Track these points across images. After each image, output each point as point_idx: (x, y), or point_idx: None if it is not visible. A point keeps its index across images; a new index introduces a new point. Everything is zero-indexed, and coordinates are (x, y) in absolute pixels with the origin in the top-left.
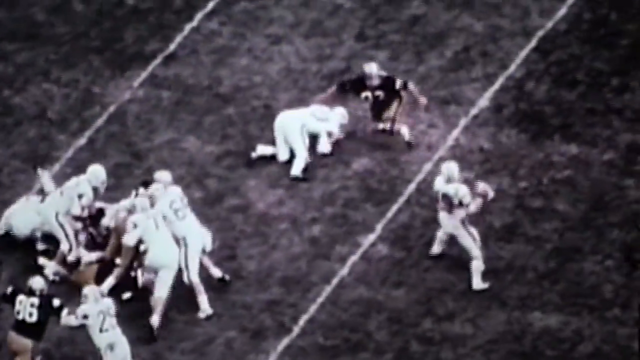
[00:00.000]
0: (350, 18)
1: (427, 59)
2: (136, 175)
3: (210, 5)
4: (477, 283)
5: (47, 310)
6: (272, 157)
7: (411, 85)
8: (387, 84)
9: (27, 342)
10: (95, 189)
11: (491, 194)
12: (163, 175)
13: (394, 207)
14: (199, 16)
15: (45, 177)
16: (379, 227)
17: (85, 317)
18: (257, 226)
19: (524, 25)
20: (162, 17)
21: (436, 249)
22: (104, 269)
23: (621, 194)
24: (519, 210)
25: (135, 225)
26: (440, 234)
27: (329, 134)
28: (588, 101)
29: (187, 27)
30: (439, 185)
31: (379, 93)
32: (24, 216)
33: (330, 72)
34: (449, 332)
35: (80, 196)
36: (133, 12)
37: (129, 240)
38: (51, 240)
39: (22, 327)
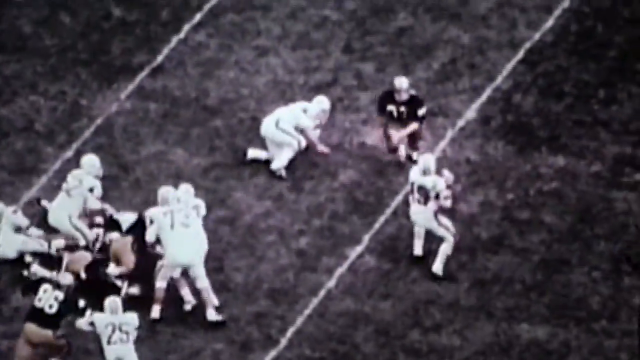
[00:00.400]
0: (337, 30)
1: (413, 70)
2: (123, 188)
3: (197, 17)
4: (438, 267)
5: (69, 307)
6: (266, 162)
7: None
8: (413, 103)
9: (48, 333)
10: (97, 178)
11: (450, 180)
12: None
13: (381, 219)
14: (186, 28)
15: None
16: (366, 239)
17: (90, 324)
18: (244, 238)
19: (511, 37)
20: (149, 29)
21: (418, 249)
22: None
23: (608, 206)
24: (506, 222)
25: (151, 221)
26: (417, 231)
27: (301, 129)
28: (575, 113)
29: (174, 39)
30: (415, 176)
31: (404, 110)
32: (8, 240)
33: (317, 84)
34: (436, 343)
35: (91, 190)
36: (120, 24)
37: (148, 236)
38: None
39: (38, 316)
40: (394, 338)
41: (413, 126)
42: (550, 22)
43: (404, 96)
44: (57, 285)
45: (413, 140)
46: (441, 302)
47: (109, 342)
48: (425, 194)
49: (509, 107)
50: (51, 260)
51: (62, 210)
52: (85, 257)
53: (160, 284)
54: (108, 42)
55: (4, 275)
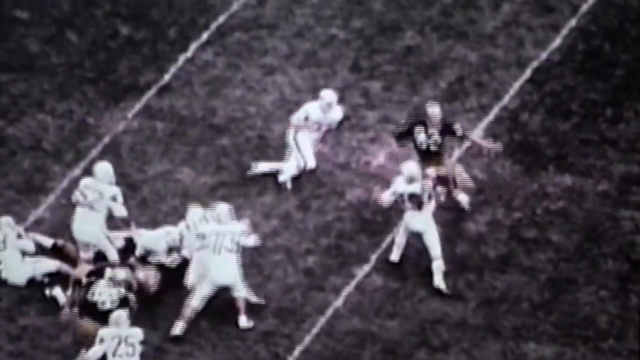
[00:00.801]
0: (344, 49)
1: (421, 89)
2: (130, 207)
3: (204, 36)
4: (440, 281)
5: (124, 303)
6: (273, 174)
7: (474, 136)
8: (446, 128)
9: (97, 326)
10: (112, 184)
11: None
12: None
13: (389, 238)
14: (193, 47)
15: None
16: (373, 258)
17: (100, 340)
18: (251, 257)
19: (518, 56)
20: (156, 48)
21: (396, 255)
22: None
23: (615, 225)
24: (513, 240)
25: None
26: (399, 240)
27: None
28: (582, 132)
29: (181, 58)
30: (402, 187)
31: (437, 138)
32: (17, 267)
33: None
34: None
35: (114, 198)
36: (127, 43)
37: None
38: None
39: (90, 310)
40: (401, 357)
41: (450, 164)
42: (557, 41)
43: (436, 124)
44: (112, 281)
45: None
46: (448, 321)
47: (114, 355)
48: (417, 200)
49: (516, 126)
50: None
51: (91, 225)
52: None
53: (196, 303)
54: (115, 60)
55: (12, 294)
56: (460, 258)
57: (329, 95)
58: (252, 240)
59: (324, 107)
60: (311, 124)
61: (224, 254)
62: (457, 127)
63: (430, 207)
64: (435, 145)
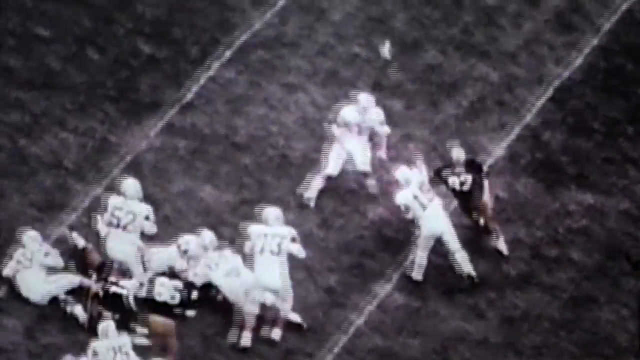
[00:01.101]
0: (366, 67)
1: (442, 108)
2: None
3: (226, 54)
4: (469, 268)
5: (186, 299)
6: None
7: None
8: (473, 167)
9: (172, 322)
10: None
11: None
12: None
13: (410, 257)
14: (215, 65)
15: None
16: (395, 277)
17: (94, 353)
18: None
19: (540, 75)
20: (178, 66)
21: (418, 274)
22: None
23: (637, 244)
24: (534, 259)
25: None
26: (419, 259)
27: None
28: (604, 150)
29: (203, 76)
30: (405, 198)
31: (465, 177)
32: (40, 286)
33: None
34: None
35: (147, 217)
36: (149, 60)
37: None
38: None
39: (160, 309)
40: None
41: (486, 199)
42: (579, 60)
43: (462, 165)
44: (172, 275)
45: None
46: (470, 339)
47: None
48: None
49: (537, 145)
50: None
51: (128, 245)
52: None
53: (252, 308)
54: (137, 78)
55: (33, 312)
56: (481, 276)
57: (364, 98)
58: (296, 248)
59: (360, 111)
60: (352, 127)
61: (268, 256)
62: (481, 163)
63: (436, 202)
64: (467, 184)
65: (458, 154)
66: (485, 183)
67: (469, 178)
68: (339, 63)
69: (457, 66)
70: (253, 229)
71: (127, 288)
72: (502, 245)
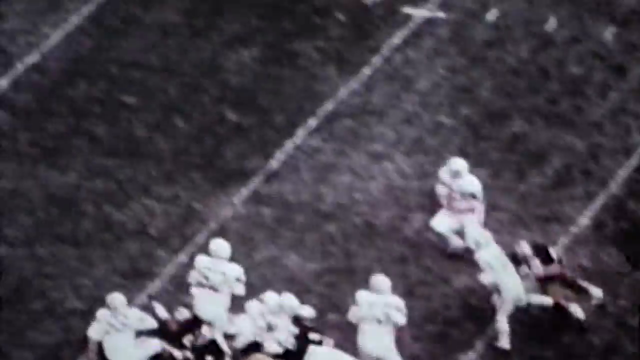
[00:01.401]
0: (452, 136)
1: (528, 176)
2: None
3: (312, 123)
4: (546, 300)
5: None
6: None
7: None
8: (542, 255)
9: None
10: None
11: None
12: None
13: (495, 325)
14: (300, 133)
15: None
16: (479, 346)
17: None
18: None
19: (625, 144)
20: (264, 134)
21: (505, 342)
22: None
23: None
24: (618, 328)
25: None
26: (502, 326)
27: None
28: None
29: (289, 144)
30: (442, 223)
31: (538, 267)
32: (128, 351)
33: (431, 190)
34: None
35: (238, 279)
36: (234, 128)
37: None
38: None
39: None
40: None
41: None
42: None
43: (534, 257)
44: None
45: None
46: None
47: None
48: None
49: (623, 214)
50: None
51: (218, 307)
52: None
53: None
54: (222, 146)
55: None
56: (566, 346)
57: (456, 162)
58: (399, 317)
59: (452, 174)
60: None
61: (374, 324)
62: (552, 252)
63: (535, 267)
64: (542, 271)
65: (522, 248)
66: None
67: (540, 269)
68: (424, 131)
69: (542, 135)
70: (362, 295)
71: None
72: (578, 312)
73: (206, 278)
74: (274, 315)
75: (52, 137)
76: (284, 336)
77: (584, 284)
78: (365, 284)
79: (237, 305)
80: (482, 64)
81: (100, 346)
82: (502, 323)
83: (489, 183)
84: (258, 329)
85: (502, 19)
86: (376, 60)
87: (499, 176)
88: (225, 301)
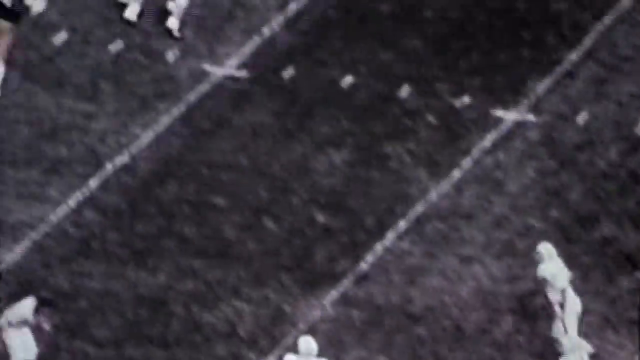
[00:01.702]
0: (541, 239)
1: (617, 280)
2: None
3: (402, 225)
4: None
5: None
6: None
7: None
8: None
9: None
10: None
11: None
12: None
13: None
14: (390, 236)
15: None
16: None
17: None
18: None
19: None
20: (354, 236)
21: None
22: None
23: None
24: None
25: None
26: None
27: None
28: None
29: (379, 246)
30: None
31: None
32: None
33: (521, 293)
34: None
35: None
36: (324, 230)
37: None
38: None
39: None
40: None
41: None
42: None
43: None
44: None
45: None
46: None
47: None
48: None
49: None
50: None
51: None
52: None
53: None
54: (312, 248)
55: None
56: None
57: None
58: None
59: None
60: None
61: None
62: None
63: None
64: None
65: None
66: None
67: None
68: (514, 234)
69: (633, 238)
70: None
71: None
72: None
73: None
74: None
75: (142, 238)
76: None
77: None
78: None
79: None
80: (572, 167)
81: None
82: None
83: (578, 287)
84: None
85: (592, 122)
86: (466, 162)
87: (588, 280)
88: None
